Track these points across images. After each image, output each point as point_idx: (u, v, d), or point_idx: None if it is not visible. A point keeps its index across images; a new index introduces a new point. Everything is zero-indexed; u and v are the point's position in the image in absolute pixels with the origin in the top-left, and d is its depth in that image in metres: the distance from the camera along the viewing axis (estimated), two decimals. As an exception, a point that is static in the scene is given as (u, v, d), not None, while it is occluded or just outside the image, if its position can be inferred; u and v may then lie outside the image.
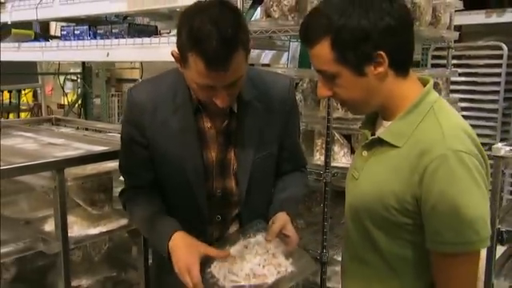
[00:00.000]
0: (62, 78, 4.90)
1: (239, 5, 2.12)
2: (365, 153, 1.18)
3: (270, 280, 1.22)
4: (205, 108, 1.36)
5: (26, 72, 4.27)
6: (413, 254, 1.09)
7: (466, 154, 1.00)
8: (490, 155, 1.82)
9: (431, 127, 1.05)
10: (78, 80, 4.47)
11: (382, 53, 1.03)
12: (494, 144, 1.80)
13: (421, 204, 1.02)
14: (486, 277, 1.78)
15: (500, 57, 4.09)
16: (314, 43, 1.07)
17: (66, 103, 4.69)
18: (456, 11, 4.30)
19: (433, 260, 1.06)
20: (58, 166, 1.47)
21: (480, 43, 4.26)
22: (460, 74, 4.24)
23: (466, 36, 4.59)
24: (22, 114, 4.91)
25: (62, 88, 4.59)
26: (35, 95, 5.87)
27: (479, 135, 3.52)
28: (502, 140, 3.81)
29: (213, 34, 1.13)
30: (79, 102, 4.26)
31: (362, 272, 1.19)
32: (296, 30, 2.04)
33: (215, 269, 1.25)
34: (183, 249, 1.25)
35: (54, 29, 4.06)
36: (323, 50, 1.05)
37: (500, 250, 2.03)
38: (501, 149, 1.71)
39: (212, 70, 1.16)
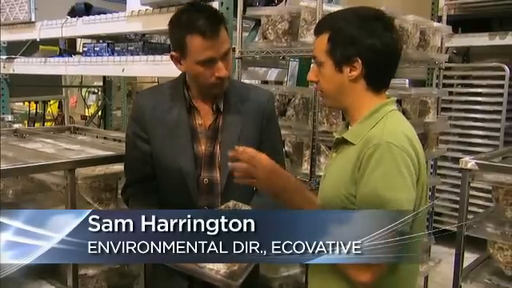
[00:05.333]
0: (85, 90, 5.20)
1: (238, 26, 2.34)
2: (334, 154, 1.38)
3: (242, 271, 1.39)
4: (196, 107, 1.62)
5: (51, 84, 4.56)
6: None
7: (395, 146, 1.18)
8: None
9: (378, 127, 1.26)
10: (99, 93, 4.75)
11: (359, 60, 1.25)
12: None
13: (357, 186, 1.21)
14: (454, 280, 1.93)
15: (502, 77, 4.21)
16: (319, 33, 1.32)
17: (88, 115, 4.99)
18: (462, 33, 4.48)
19: None
20: (69, 167, 1.70)
21: (483, 64, 4.39)
22: (465, 94, 4.41)
23: (473, 57, 4.74)
24: (47, 124, 5.23)
25: (84, 100, 4.89)
26: (60, 106, 6.22)
27: (482, 153, 3.58)
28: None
29: (200, 16, 1.48)
30: (99, 113, 4.53)
31: None
32: (288, 51, 2.26)
33: None
34: None
35: (80, 45, 4.36)
36: (322, 40, 1.30)
37: (474, 257, 2.18)
38: (468, 162, 1.87)
39: (208, 38, 1.46)
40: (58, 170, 1.71)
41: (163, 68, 2.74)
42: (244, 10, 2.36)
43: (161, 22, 2.69)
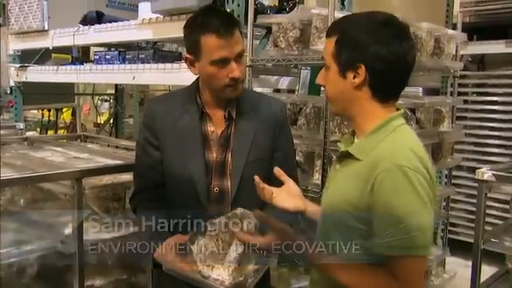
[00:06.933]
0: (97, 98, 5.22)
1: (249, 33, 2.32)
2: (338, 166, 1.34)
3: (248, 282, 1.35)
4: (209, 114, 1.60)
5: (64, 92, 4.59)
6: (366, 259, 1.21)
7: (409, 169, 1.13)
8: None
9: (387, 145, 1.20)
10: (111, 101, 4.76)
11: (362, 66, 1.20)
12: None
13: (371, 211, 1.16)
14: (470, 295, 1.86)
15: (519, 86, 4.12)
16: (329, 35, 1.29)
17: (101, 122, 5.01)
18: (477, 40, 4.40)
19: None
20: (76, 176, 1.68)
21: (499, 72, 4.31)
22: (480, 102, 4.33)
23: (488, 65, 4.65)
24: (60, 131, 5.26)
25: (96, 108, 4.90)
26: (74, 114, 6.25)
27: (498, 163, 3.50)
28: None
29: (215, 16, 1.50)
30: (111, 121, 4.54)
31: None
32: (299, 59, 2.22)
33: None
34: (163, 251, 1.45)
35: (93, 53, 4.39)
36: (330, 43, 1.26)
37: (492, 270, 2.12)
38: (484, 173, 1.81)
39: (222, 37, 1.47)
40: (65, 180, 1.69)
41: (174, 76, 2.72)
42: (255, 18, 2.34)
43: (172, 30, 2.69)
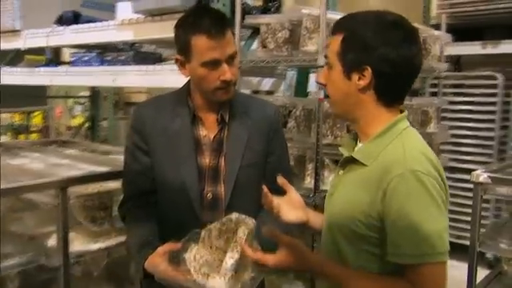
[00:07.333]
0: (71, 100, 5.06)
1: (237, 34, 2.26)
2: (341, 172, 1.29)
3: None
4: (201, 117, 1.54)
5: (36, 95, 4.43)
6: (377, 268, 1.17)
7: (422, 173, 1.10)
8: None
9: (395, 149, 1.16)
10: (85, 103, 4.63)
11: (368, 68, 1.15)
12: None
13: (383, 219, 1.12)
14: (466, 298, 1.85)
15: (495, 86, 4.18)
16: (335, 32, 1.23)
17: (74, 125, 4.85)
18: (454, 42, 4.47)
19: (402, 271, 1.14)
20: (62, 185, 1.59)
21: (476, 73, 4.37)
22: (458, 103, 4.38)
23: (464, 66, 4.72)
24: (32, 135, 5.07)
25: (69, 111, 4.75)
26: (46, 117, 6.05)
27: (476, 162, 3.52)
28: (498, 167, 3.88)
29: (206, 16, 1.45)
30: (86, 124, 4.40)
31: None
32: (289, 60, 2.17)
33: (191, 253, 1.28)
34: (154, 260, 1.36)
35: (65, 55, 4.24)
36: (336, 41, 1.21)
37: (485, 272, 2.11)
38: (480, 175, 1.79)
39: (212, 38, 1.42)
40: (50, 189, 1.59)
41: (156, 78, 2.65)
42: (242, 19, 2.28)
43: (154, 31, 2.62)
